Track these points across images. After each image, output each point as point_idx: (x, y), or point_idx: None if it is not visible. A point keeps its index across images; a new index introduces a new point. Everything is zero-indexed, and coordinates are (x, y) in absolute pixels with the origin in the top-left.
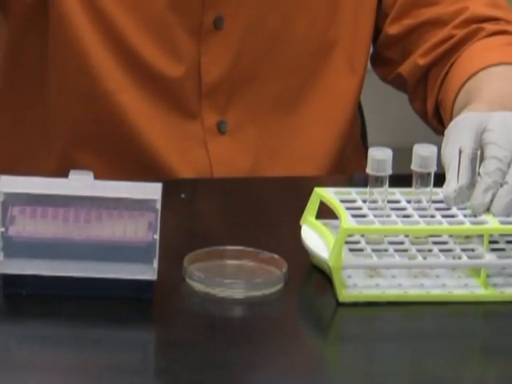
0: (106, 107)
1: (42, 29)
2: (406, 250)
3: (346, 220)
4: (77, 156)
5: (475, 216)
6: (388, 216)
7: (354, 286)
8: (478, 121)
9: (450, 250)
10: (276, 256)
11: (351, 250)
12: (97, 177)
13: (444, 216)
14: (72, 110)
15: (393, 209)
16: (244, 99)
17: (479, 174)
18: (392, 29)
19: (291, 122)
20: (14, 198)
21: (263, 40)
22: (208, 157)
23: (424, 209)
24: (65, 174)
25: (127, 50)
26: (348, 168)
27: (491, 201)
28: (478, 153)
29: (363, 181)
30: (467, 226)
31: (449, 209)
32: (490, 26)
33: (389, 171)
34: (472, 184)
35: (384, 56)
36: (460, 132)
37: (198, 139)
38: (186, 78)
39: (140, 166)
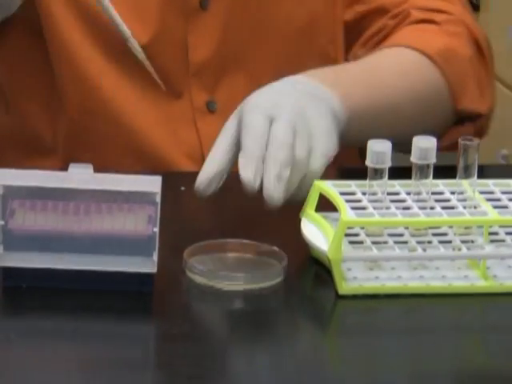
0: (91, 92)
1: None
2: (405, 242)
3: (346, 212)
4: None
5: (474, 207)
6: (388, 208)
7: (354, 278)
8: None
9: (449, 242)
10: (276, 249)
11: (351, 242)
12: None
13: (444, 208)
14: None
15: (392, 201)
16: (233, 78)
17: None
18: (347, 15)
19: None
20: (13, 191)
21: (249, 20)
22: (198, 136)
23: (424, 200)
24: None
25: (111, 31)
26: (339, 158)
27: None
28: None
29: (358, 173)
30: (467, 217)
31: (449, 200)
32: (416, 13)
33: (388, 163)
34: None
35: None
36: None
37: (188, 119)
38: (174, 58)
39: (129, 149)
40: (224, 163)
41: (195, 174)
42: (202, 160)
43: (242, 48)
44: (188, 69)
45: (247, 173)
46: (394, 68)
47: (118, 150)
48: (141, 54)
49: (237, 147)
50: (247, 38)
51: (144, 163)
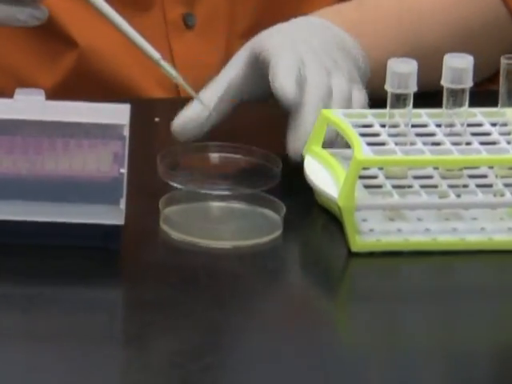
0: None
1: None
2: (435, 186)
3: (361, 149)
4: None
5: None
6: (413, 144)
7: (371, 231)
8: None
9: (489, 186)
10: (271, 197)
11: (367, 186)
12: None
13: (482, 143)
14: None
15: (419, 135)
16: None
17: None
18: None
19: (271, 17)
20: None
21: None
22: (172, 58)
23: (458, 134)
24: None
25: None
26: None
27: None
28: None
29: (376, 101)
30: (511, 155)
31: (489, 134)
32: None
33: (413, 88)
34: None
35: None
36: None
37: (159, 36)
38: None
39: (88, 75)
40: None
41: (172, 102)
42: (175, 88)
43: None
44: None
45: (286, 81)
46: None
47: (74, 77)
48: (175, 75)
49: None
50: None
51: (106, 93)
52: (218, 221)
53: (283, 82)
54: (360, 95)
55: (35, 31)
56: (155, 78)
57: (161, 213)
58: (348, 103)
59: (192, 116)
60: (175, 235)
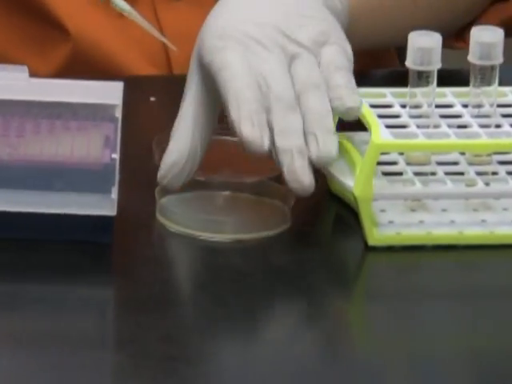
0: None
1: None
2: (461, 174)
3: (379, 132)
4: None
5: None
6: (436, 126)
7: (390, 223)
8: None
9: None
10: (279, 185)
11: (386, 173)
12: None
13: None
14: None
15: (443, 116)
16: None
17: None
18: None
19: None
20: None
21: None
22: (160, 30)
23: (486, 116)
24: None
25: None
26: (380, 63)
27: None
28: None
29: (395, 78)
30: None
31: None
32: None
33: (437, 64)
34: None
35: None
36: None
37: (145, 8)
38: None
39: (82, 64)
40: (192, 139)
41: (169, 80)
42: (167, 65)
43: None
44: None
45: (247, 128)
46: None
47: (68, 67)
48: (128, 10)
49: (208, 107)
50: None
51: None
52: (220, 212)
53: (245, 134)
54: (330, 50)
55: (26, 20)
56: (149, 60)
57: (157, 203)
58: (316, 82)
59: (173, 161)
60: (172, 227)
